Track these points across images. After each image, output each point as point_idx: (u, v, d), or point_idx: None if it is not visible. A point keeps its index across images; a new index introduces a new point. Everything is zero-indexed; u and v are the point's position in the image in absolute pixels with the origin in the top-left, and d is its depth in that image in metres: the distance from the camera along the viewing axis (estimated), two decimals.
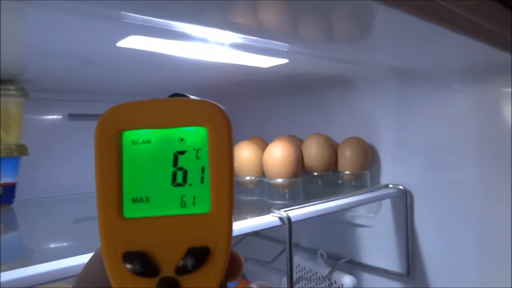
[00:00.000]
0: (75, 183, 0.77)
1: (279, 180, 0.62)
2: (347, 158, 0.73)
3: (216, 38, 0.43)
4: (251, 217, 0.50)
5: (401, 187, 0.72)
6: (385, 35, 0.47)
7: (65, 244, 0.49)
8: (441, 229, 0.69)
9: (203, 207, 0.18)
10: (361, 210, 0.80)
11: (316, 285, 0.82)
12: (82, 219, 0.63)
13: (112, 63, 0.55)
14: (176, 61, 0.54)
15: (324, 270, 0.78)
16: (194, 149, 0.19)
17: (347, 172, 0.73)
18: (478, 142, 0.64)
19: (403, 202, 0.72)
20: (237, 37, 0.43)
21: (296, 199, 0.62)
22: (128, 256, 0.18)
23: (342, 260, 0.79)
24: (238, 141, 0.70)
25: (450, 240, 0.68)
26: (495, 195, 0.63)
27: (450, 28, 0.41)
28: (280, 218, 0.51)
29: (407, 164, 0.73)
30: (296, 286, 0.87)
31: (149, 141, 0.19)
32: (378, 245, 0.78)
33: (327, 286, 0.78)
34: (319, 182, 0.75)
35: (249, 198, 0.68)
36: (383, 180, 0.76)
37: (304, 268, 0.84)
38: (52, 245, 0.48)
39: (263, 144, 0.73)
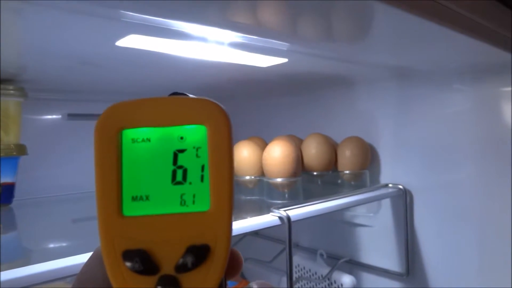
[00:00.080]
0: (75, 183, 0.77)
1: (279, 180, 0.62)
2: (347, 158, 0.72)
3: (216, 37, 0.43)
4: (251, 216, 0.50)
5: (400, 186, 0.72)
6: (385, 34, 0.47)
7: (64, 244, 0.49)
8: (441, 229, 0.69)
9: (203, 205, 0.18)
10: (361, 210, 0.80)
11: (316, 284, 0.82)
12: (81, 219, 0.63)
13: (111, 62, 0.55)
14: (176, 60, 0.54)
15: (324, 270, 0.78)
16: (194, 147, 0.19)
17: (347, 172, 0.73)
18: (478, 142, 0.64)
19: (403, 202, 0.72)
20: (236, 36, 0.43)
21: (295, 199, 0.62)
22: (128, 254, 0.18)
23: (342, 260, 0.79)
24: (237, 140, 0.70)
25: (449, 239, 0.68)
26: (495, 195, 0.63)
27: (450, 27, 0.41)
28: (280, 218, 0.51)
29: (407, 163, 0.73)
30: (296, 285, 0.87)
31: (149, 140, 0.19)
32: (377, 244, 0.78)
33: (327, 286, 0.78)
34: (319, 182, 0.75)
35: (248, 197, 0.68)
36: (383, 180, 0.76)
37: (304, 267, 0.84)
38: (51, 245, 0.48)
39: (263, 144, 0.73)
